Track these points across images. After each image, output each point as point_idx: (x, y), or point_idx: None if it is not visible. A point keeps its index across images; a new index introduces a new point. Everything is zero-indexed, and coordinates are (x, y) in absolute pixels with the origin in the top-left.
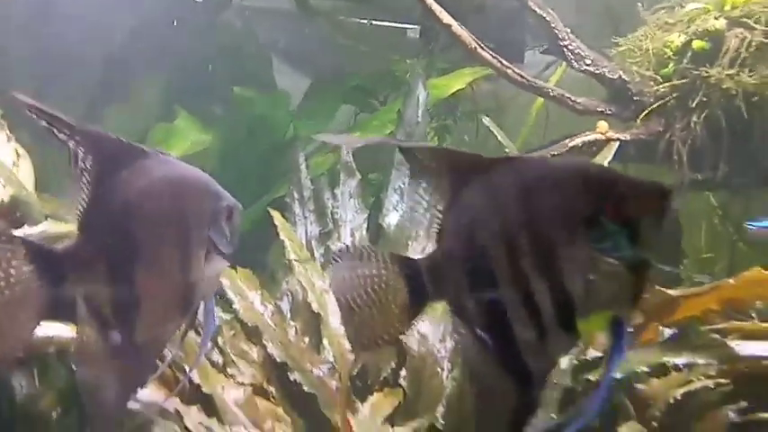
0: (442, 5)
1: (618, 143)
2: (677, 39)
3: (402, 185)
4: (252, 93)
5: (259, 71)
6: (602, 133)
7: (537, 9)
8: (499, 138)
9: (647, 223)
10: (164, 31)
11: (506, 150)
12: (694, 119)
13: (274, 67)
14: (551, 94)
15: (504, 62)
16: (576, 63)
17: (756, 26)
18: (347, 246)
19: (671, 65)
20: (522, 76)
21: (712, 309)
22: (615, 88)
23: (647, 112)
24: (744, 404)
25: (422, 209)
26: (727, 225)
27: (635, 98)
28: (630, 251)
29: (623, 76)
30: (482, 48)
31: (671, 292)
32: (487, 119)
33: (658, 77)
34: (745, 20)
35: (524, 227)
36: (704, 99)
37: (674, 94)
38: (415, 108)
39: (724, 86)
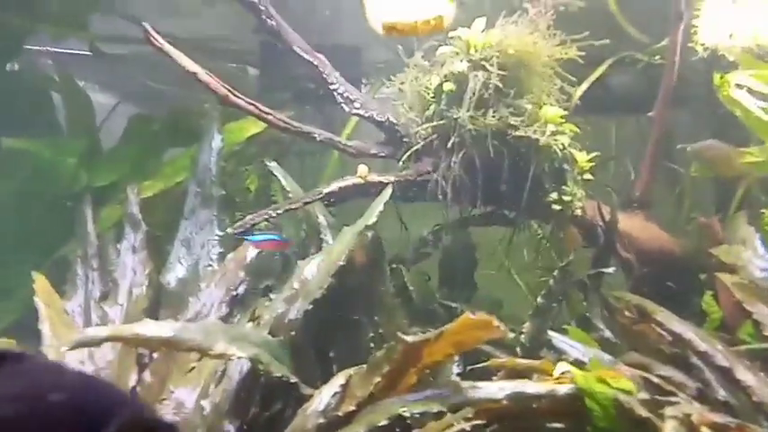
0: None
1: (390, 186)
2: (434, 81)
3: (190, 236)
4: (29, 143)
5: (76, 116)
6: (361, 177)
7: (303, 54)
8: (283, 182)
9: None
10: None
11: (290, 195)
12: (454, 159)
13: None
14: (318, 138)
15: (263, 108)
16: (345, 106)
17: (491, 69)
18: None
19: (432, 106)
20: (284, 122)
21: (450, 352)
22: (387, 131)
23: (408, 153)
24: None
25: (209, 260)
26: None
27: (404, 140)
28: None
29: (391, 119)
30: (234, 94)
31: (408, 338)
32: (273, 163)
33: (420, 119)
34: (483, 62)
35: None
36: (458, 140)
37: (435, 135)
38: (209, 153)
39: (468, 127)
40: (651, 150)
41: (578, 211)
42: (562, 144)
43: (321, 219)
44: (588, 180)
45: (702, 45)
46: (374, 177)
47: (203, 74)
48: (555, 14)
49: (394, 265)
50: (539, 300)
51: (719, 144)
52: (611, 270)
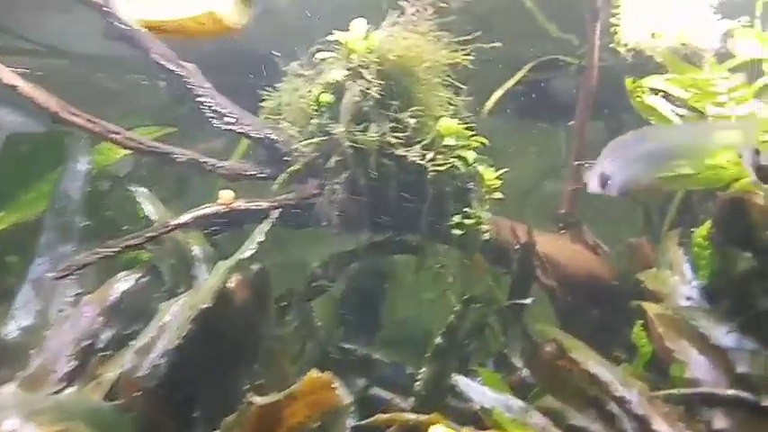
0: None
1: (277, 210)
2: (314, 92)
3: (42, 276)
4: None
5: None
6: (224, 204)
7: (166, 63)
8: (147, 209)
9: None
10: None
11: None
12: (337, 180)
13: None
14: (179, 159)
15: (110, 126)
16: (215, 121)
17: (371, 78)
18: None
19: (314, 120)
20: (136, 141)
21: (308, 414)
22: (267, 148)
23: (285, 174)
24: None
25: (63, 304)
26: None
27: (285, 159)
28: None
29: (270, 135)
30: (70, 111)
31: (259, 400)
32: (142, 189)
33: (300, 136)
34: (362, 70)
35: None
36: (340, 158)
37: (318, 154)
38: (71, 178)
39: (347, 144)
40: (572, 163)
41: (486, 235)
42: (465, 160)
43: (196, 251)
44: (498, 199)
45: (625, 45)
46: (240, 204)
47: (25, 86)
48: (468, 15)
49: (284, 303)
50: (437, 339)
51: None
52: (528, 301)
